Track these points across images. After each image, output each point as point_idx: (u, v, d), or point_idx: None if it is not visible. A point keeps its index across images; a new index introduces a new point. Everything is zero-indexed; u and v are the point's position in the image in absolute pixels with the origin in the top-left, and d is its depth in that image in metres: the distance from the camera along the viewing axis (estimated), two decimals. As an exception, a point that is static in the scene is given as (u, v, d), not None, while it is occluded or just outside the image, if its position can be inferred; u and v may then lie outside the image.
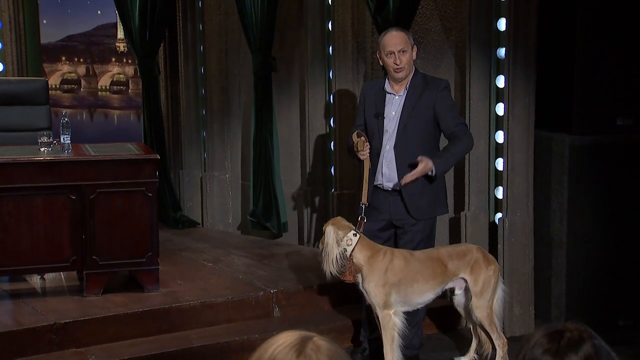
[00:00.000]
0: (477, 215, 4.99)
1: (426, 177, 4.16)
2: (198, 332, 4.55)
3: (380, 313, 4.07)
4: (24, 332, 4.21)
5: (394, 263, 4.05)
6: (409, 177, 4.08)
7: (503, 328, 4.78)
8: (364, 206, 4.20)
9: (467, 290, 4.20)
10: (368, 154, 4.24)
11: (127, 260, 4.69)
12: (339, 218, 4.18)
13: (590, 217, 4.88)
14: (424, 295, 4.14)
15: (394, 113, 4.25)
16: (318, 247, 4.25)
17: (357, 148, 4.21)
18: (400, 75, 4.22)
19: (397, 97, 4.26)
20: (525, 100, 4.74)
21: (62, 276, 5.06)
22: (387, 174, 4.25)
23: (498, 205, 4.94)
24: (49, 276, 5.03)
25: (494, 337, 4.21)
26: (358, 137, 4.23)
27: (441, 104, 4.21)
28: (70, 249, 4.59)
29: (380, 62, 4.30)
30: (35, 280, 5.00)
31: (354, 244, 4.02)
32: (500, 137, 4.87)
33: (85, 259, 4.61)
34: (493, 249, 4.91)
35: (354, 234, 4.04)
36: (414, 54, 4.26)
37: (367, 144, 4.24)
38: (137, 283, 4.76)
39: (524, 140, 4.78)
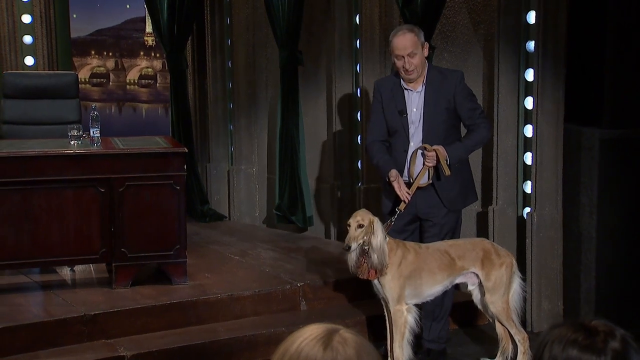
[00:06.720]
0: (505, 209, 4.95)
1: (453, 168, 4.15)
2: (225, 325, 4.57)
3: (393, 308, 4.06)
4: (54, 323, 4.27)
5: (406, 256, 4.05)
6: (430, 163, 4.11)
7: (528, 323, 4.76)
8: (398, 211, 4.17)
9: (480, 285, 4.15)
10: (406, 193, 4.17)
11: (155, 252, 4.73)
12: (366, 211, 4.16)
13: (620, 211, 4.82)
14: (432, 287, 4.12)
15: (415, 109, 4.22)
16: (349, 241, 3.97)
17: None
18: (411, 77, 4.16)
19: (415, 93, 4.21)
20: (555, 94, 4.69)
21: (92, 268, 5.11)
22: (415, 171, 4.23)
23: (526, 199, 4.90)
24: (78, 268, 5.08)
25: (512, 332, 4.15)
26: (392, 180, 4.16)
27: (460, 96, 4.18)
28: (99, 242, 4.63)
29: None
30: (65, 272, 5.05)
31: None
32: (529, 131, 4.83)
33: (114, 251, 4.65)
34: (521, 244, 4.87)
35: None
36: (425, 50, 4.16)
37: (402, 185, 4.18)
38: (165, 275, 4.80)
39: (553, 134, 4.73)
